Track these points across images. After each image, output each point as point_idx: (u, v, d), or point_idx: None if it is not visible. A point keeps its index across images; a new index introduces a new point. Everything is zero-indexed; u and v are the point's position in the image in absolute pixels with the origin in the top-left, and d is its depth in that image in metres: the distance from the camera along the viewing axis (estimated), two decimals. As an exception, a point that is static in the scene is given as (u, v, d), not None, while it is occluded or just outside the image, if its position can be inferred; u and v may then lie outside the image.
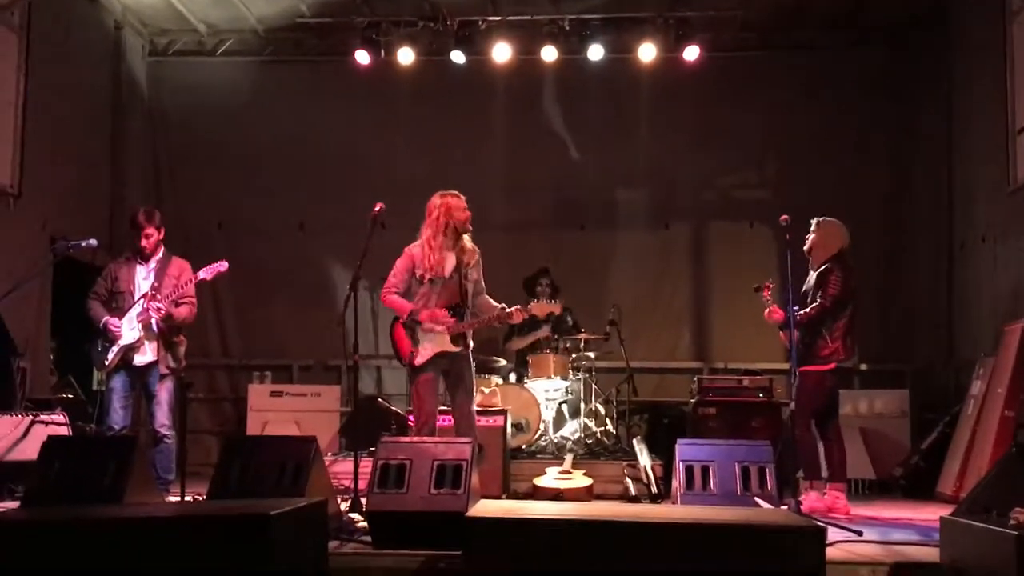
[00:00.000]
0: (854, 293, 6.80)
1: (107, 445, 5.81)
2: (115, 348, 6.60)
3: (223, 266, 6.70)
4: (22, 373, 7.92)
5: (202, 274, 6.65)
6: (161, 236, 6.82)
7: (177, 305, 6.67)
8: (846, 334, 6.71)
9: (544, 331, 9.23)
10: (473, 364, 6.36)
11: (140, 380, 6.67)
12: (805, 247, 6.99)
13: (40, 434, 6.74)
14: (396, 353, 6.41)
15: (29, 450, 6.66)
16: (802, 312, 6.72)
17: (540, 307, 6.49)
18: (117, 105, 10.39)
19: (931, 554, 4.69)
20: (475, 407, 6.40)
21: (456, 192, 6.35)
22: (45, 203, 8.82)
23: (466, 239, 6.32)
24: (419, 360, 6.20)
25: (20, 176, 8.40)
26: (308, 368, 10.67)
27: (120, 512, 4.57)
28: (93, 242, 6.93)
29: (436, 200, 6.29)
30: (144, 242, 6.73)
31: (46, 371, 8.93)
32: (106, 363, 6.65)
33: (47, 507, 4.95)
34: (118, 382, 6.63)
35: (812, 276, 6.93)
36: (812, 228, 7.00)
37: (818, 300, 6.72)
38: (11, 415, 7.11)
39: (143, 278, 6.73)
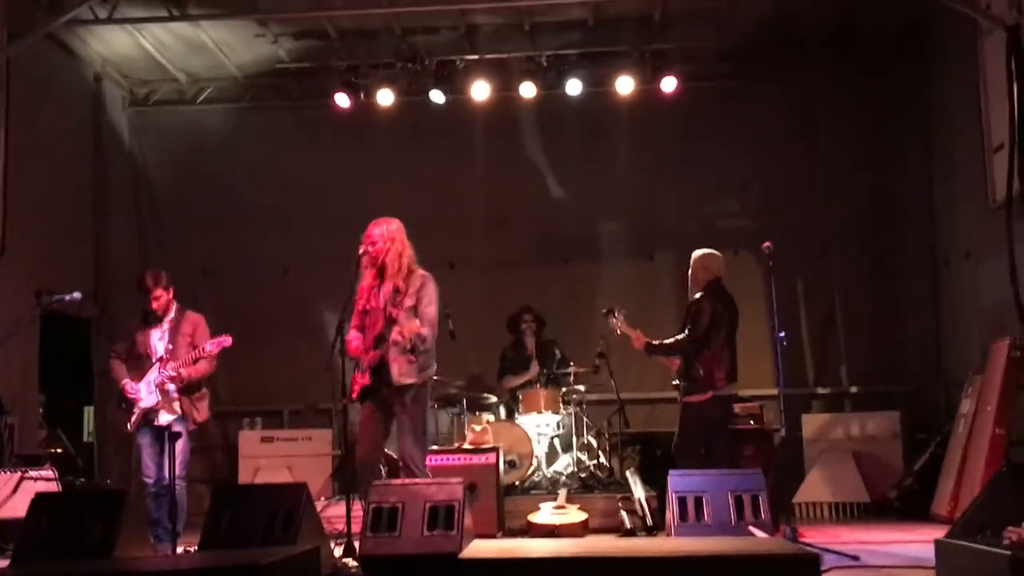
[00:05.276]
0: (724, 322, 6.86)
1: (96, 499, 5.76)
2: (136, 410, 6.60)
3: (227, 341, 6.61)
4: (9, 429, 7.88)
5: (208, 347, 6.60)
6: (171, 295, 6.77)
7: (195, 362, 6.63)
8: (719, 363, 6.78)
9: (533, 369, 9.20)
10: (415, 400, 5.95)
11: (164, 433, 6.59)
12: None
13: (30, 490, 6.72)
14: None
15: (18, 507, 6.62)
16: (668, 341, 6.92)
17: (409, 326, 5.81)
18: (99, 156, 10.41)
19: (928, 577, 4.69)
20: (416, 448, 5.95)
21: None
22: (29, 257, 8.79)
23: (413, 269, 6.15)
24: (354, 395, 6.07)
25: (3, 231, 8.38)
26: (298, 412, 10.59)
27: (110, 567, 4.54)
28: (77, 295, 6.96)
29: None
30: (154, 304, 6.69)
31: (35, 426, 8.88)
32: (128, 426, 6.65)
33: (36, 564, 4.92)
34: (146, 438, 6.62)
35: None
36: (691, 262, 7.14)
37: (686, 331, 6.84)
38: (-1, 472, 7.10)
39: (158, 339, 6.70)
